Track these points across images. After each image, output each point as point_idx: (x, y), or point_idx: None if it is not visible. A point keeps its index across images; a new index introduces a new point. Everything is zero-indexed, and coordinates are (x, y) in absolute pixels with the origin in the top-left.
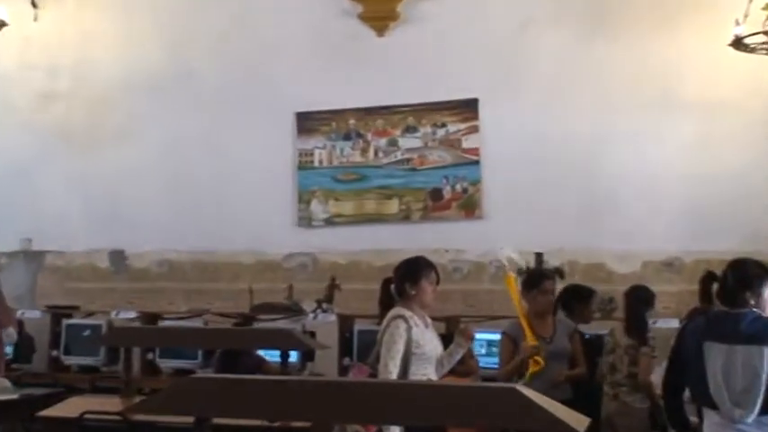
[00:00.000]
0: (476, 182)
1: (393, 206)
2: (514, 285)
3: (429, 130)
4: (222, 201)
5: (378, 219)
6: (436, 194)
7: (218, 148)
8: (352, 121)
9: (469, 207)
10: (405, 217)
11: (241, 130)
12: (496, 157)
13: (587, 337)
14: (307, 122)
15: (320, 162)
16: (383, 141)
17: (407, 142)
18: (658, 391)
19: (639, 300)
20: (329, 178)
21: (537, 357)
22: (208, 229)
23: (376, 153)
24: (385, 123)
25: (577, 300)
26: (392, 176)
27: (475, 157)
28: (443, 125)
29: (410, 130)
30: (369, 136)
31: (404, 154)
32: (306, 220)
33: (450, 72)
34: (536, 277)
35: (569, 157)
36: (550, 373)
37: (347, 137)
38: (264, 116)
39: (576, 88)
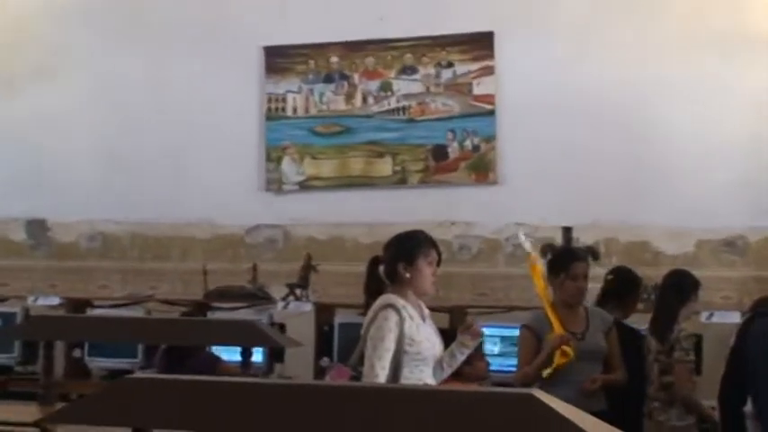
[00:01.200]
0: (489, 138)
1: (385, 167)
2: (539, 268)
3: (431, 70)
4: (170, 159)
5: (366, 183)
6: (439, 152)
7: (164, 91)
8: (334, 59)
9: (481, 169)
10: (400, 180)
11: (193, 70)
12: (516, 107)
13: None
14: (277, 60)
15: (294, 110)
16: (373, 85)
17: (404, 86)
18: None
19: (674, 288)
20: (305, 131)
21: (566, 347)
22: (151, 195)
23: (364, 99)
24: (376, 62)
25: (624, 287)
26: (384, 129)
27: (489, 107)
28: (450, 65)
29: (407, 70)
30: (355, 78)
31: (399, 101)
32: (275, 184)
33: None
34: (564, 259)
35: (607, 110)
36: (580, 376)
37: (328, 78)
38: (223, 51)
39: (619, 22)
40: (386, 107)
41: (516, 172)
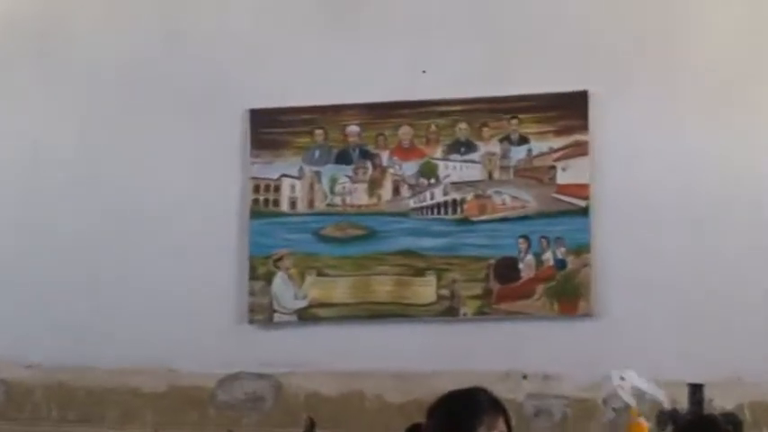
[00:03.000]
0: (581, 248)
1: (426, 290)
2: None
3: (496, 148)
4: (109, 271)
5: (397, 313)
6: (507, 270)
7: (105, 171)
8: (352, 129)
9: (569, 295)
10: (447, 310)
11: (149, 140)
12: (621, 204)
13: None
14: (268, 128)
15: (292, 204)
16: (410, 167)
17: (455, 170)
18: None
19: None
20: (308, 234)
21: None
22: (80, 324)
23: (396, 189)
24: (414, 134)
25: None
26: (426, 234)
27: (581, 202)
28: (523, 140)
29: (461, 147)
30: (383, 157)
31: (448, 192)
32: (262, 313)
33: (535, 41)
34: (690, 429)
35: (758, 213)
36: None
37: (343, 157)
38: (193, 116)
39: None
40: (428, 201)
41: (620, 300)
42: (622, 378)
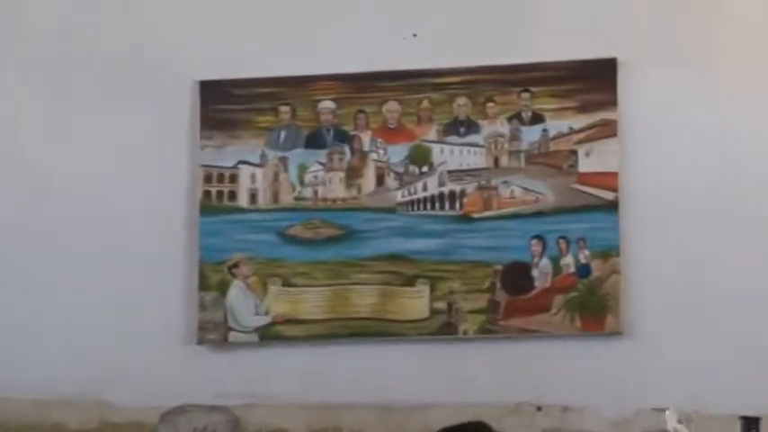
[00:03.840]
0: (609, 250)
1: (418, 302)
2: None
3: (504, 128)
4: (26, 277)
5: (381, 331)
6: (517, 277)
7: (29, 156)
8: (325, 104)
9: (593, 308)
10: (443, 328)
11: (80, 119)
12: (658, 196)
13: None
14: (222, 104)
15: (252, 197)
16: (397, 152)
17: (453, 156)
18: None
19: None
20: (272, 234)
21: None
22: None
23: (380, 179)
24: (402, 110)
25: None
26: (417, 234)
27: (608, 194)
28: (537, 119)
29: (459, 127)
30: (363, 139)
31: (444, 183)
32: (214, 332)
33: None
34: None
35: None
36: None
37: (314, 139)
38: (130, 90)
39: None
40: (419, 194)
41: (656, 315)
42: (680, 421)
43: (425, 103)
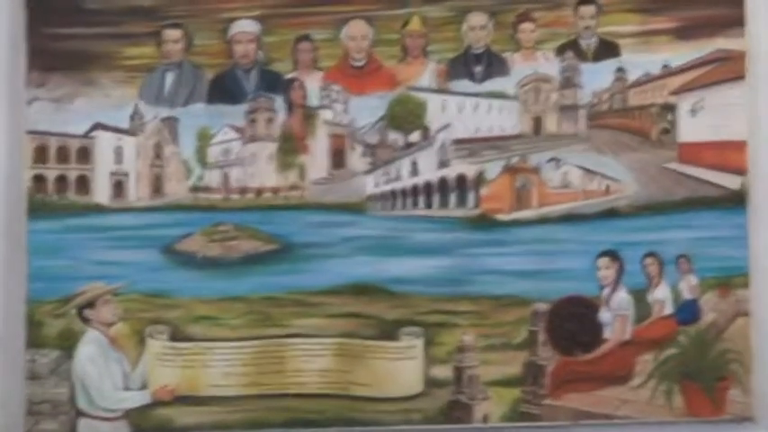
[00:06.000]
0: (732, 276)
1: (404, 367)
2: None
3: (551, 67)
4: None
5: (342, 416)
6: (575, 323)
7: None
8: (243, 24)
9: (704, 376)
10: (450, 410)
11: None
12: None
13: None
14: (64, 26)
15: (117, 186)
16: (367, 106)
17: (464, 115)
18: None
19: None
20: (153, 249)
21: None
22: None
23: (338, 154)
24: (376, 36)
25: None
26: (401, 248)
27: (730, 180)
28: (607, 49)
29: (474, 65)
30: (309, 85)
31: (447, 159)
32: (54, 419)
33: None
34: None
35: None
36: None
37: (224, 87)
38: None
39: None
40: (406, 180)
41: None
42: None
43: (415, 23)
